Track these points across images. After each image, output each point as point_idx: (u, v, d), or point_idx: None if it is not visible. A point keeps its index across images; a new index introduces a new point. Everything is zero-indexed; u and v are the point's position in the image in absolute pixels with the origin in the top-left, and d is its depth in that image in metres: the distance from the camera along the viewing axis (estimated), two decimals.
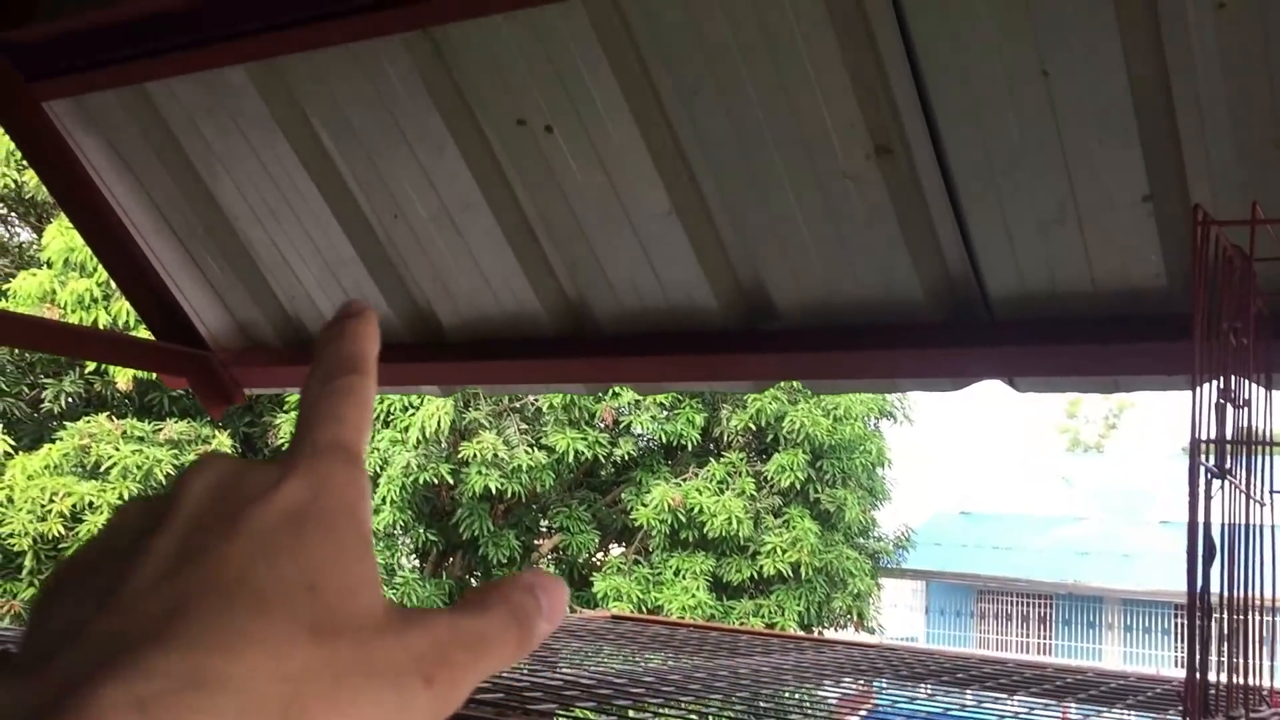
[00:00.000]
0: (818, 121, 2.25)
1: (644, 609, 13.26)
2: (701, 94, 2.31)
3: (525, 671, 2.70)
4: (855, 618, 15.04)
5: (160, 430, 12.18)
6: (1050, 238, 2.20)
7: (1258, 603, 1.80)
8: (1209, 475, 1.72)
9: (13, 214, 14.44)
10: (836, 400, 13.95)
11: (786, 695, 2.75)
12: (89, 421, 12.02)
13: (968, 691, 2.82)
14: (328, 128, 2.73)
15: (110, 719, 0.28)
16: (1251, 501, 1.81)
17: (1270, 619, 1.89)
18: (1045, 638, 24.49)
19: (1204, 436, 1.70)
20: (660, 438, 13.99)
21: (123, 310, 11.59)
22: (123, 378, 12.42)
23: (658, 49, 2.30)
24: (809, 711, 2.55)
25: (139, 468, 11.52)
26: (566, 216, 2.63)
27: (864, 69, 2.16)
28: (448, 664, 0.34)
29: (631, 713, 2.29)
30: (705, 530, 13.60)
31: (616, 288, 2.70)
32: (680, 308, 2.65)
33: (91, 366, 12.49)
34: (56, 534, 11.21)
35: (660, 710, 2.27)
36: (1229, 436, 1.75)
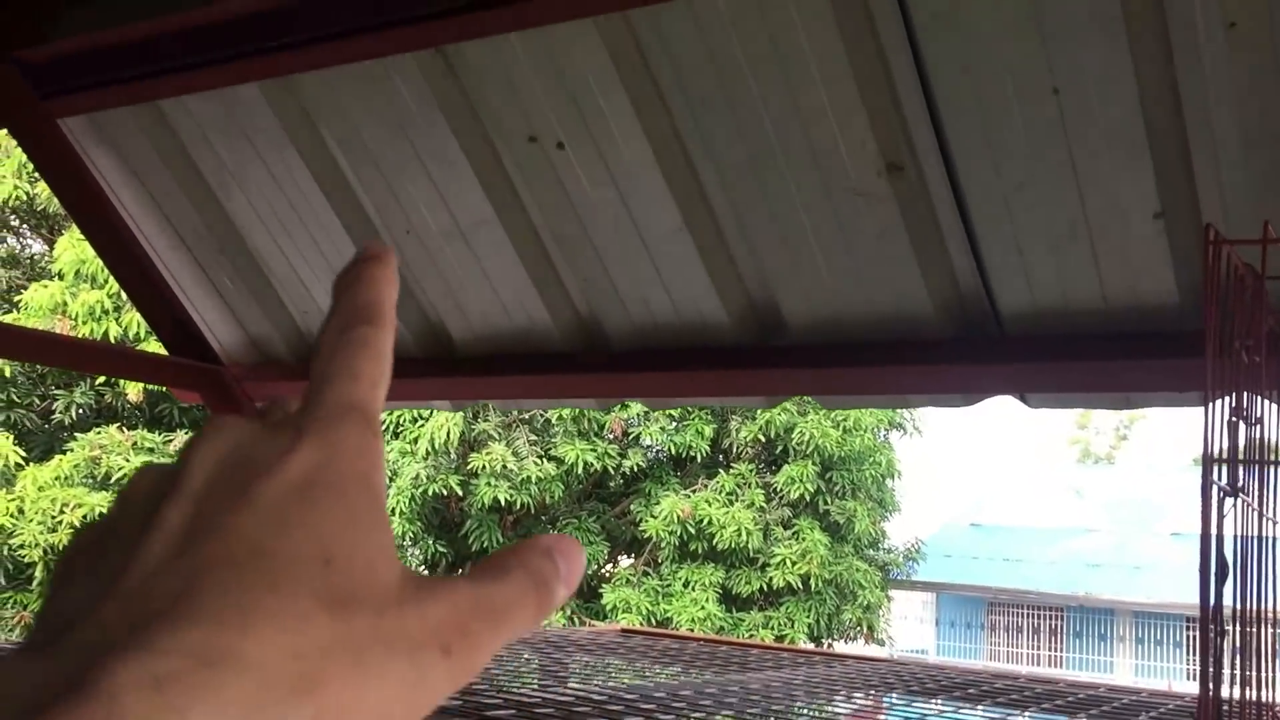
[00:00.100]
0: (829, 138, 2.26)
1: (653, 621, 13.24)
2: (713, 112, 2.32)
3: (536, 687, 2.70)
4: (865, 630, 14.99)
5: (171, 442, 12.21)
6: (1061, 254, 2.21)
7: (1271, 617, 1.80)
8: (1221, 493, 1.72)
9: (24, 226, 14.51)
10: (846, 412, 13.93)
11: (797, 711, 2.75)
12: (100, 433, 12.05)
13: (979, 707, 2.81)
14: (341, 144, 2.74)
15: (126, 699, 0.28)
16: (1264, 519, 1.81)
17: None
18: (1056, 650, 24.39)
19: (1216, 454, 1.70)
20: (669, 449, 13.98)
21: (134, 322, 11.63)
22: (133, 389, 12.47)
23: (670, 67, 2.31)
24: None
25: None
26: (578, 232, 2.64)
27: (875, 87, 2.17)
28: (466, 634, 0.34)
29: None
30: (715, 542, 13.58)
31: (627, 303, 2.71)
32: (691, 323, 2.66)
33: (102, 378, 12.53)
34: (67, 545, 11.22)
35: None
36: (1241, 454, 1.74)
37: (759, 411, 13.72)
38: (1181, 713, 2.72)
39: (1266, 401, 1.85)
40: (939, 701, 2.87)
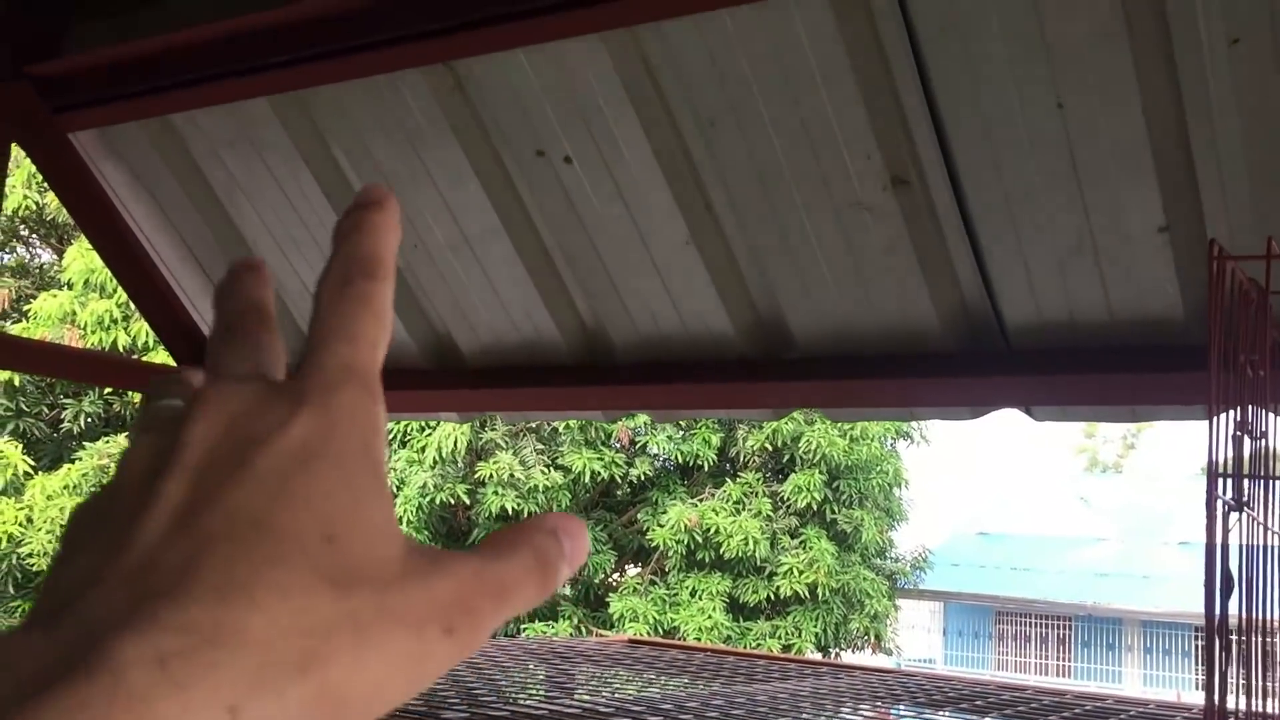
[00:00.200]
0: (835, 153, 2.27)
1: (660, 630, 13.23)
2: (719, 126, 2.33)
3: (542, 698, 2.71)
4: (872, 639, 14.97)
5: None
6: (1067, 268, 2.21)
7: (1277, 629, 1.80)
8: (1226, 507, 1.72)
9: (34, 235, 14.58)
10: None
11: None
12: (108, 441, 12.09)
13: None
14: (349, 158, 2.76)
15: (131, 674, 0.28)
16: (1269, 532, 1.81)
17: None
18: (1064, 660, 24.32)
19: (1221, 468, 1.71)
20: (676, 458, 13.99)
21: (142, 331, 11.67)
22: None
23: (677, 82, 2.32)
24: None
25: None
26: (585, 246, 2.65)
27: (880, 101, 2.18)
28: (470, 611, 0.34)
29: None
30: (721, 551, 13.58)
31: (634, 316, 2.72)
32: (698, 336, 2.67)
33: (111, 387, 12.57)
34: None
35: None
36: (1246, 468, 1.75)
37: (766, 420, 13.73)
38: None
39: (1271, 415, 1.86)
40: (946, 714, 2.87)
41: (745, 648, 12.98)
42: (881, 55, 2.13)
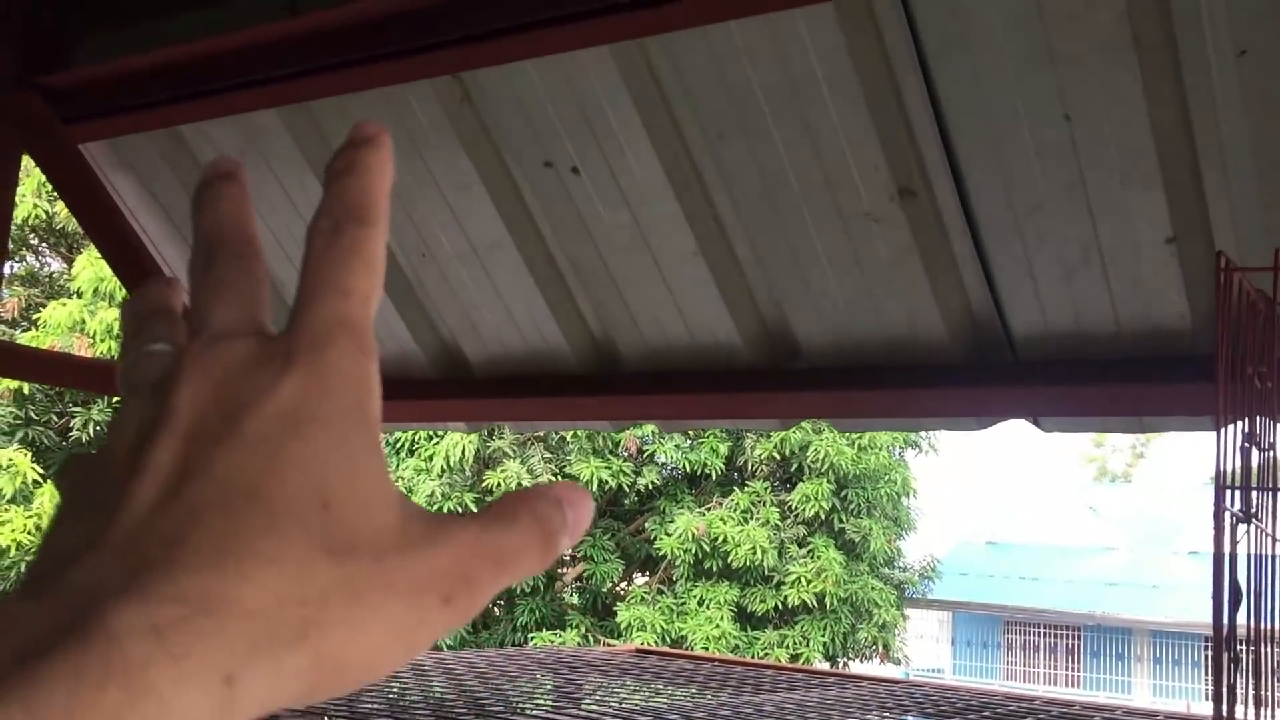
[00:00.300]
0: (841, 163, 2.28)
1: (668, 639, 13.21)
2: (726, 137, 2.34)
3: (550, 707, 2.71)
4: (881, 649, 14.93)
5: None
6: (1074, 279, 2.21)
7: None
8: (1234, 519, 1.72)
9: (43, 244, 14.63)
10: None
11: None
12: None
13: None
14: None
15: (127, 644, 0.28)
16: (1277, 545, 1.81)
17: None
18: (1073, 670, 24.23)
19: (1229, 480, 1.70)
20: (684, 467, 13.98)
21: None
22: None
23: (684, 93, 2.33)
24: None
25: None
26: (592, 256, 2.66)
27: (887, 111, 2.19)
28: (469, 581, 0.34)
29: None
30: (729, 560, 13.56)
31: (642, 326, 2.73)
32: (705, 346, 2.67)
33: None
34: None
35: None
36: (1254, 480, 1.75)
37: (773, 431, 13.71)
38: None
39: (1279, 427, 1.86)
40: None
41: (753, 657, 12.96)
42: (888, 66, 2.14)
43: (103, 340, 12.02)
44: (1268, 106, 1.92)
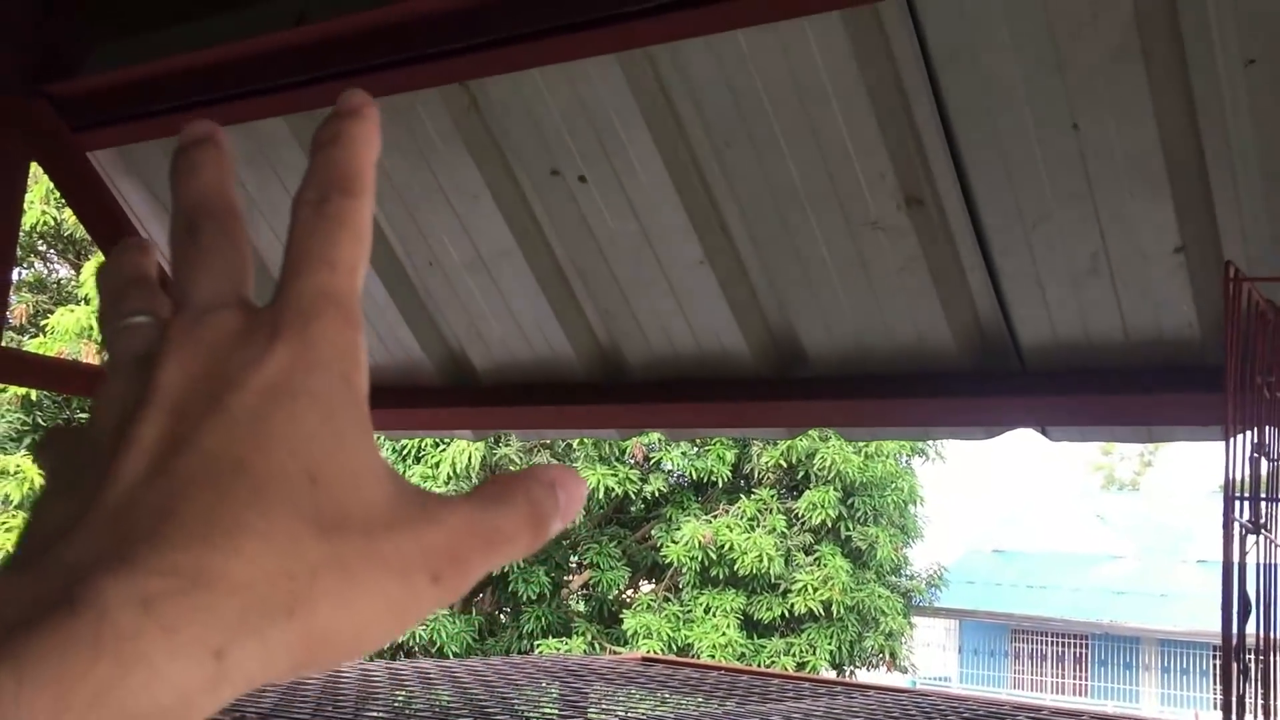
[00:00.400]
0: (849, 172, 2.27)
1: (674, 647, 13.20)
2: (734, 145, 2.34)
3: (556, 717, 2.70)
4: (888, 657, 14.90)
5: None
6: (1082, 288, 2.21)
7: None
8: (1243, 530, 1.71)
9: (51, 250, 14.67)
10: None
11: None
12: None
13: None
14: None
15: (116, 616, 0.28)
16: None
17: None
18: (1081, 679, 24.16)
19: (1238, 491, 1.70)
20: (691, 474, 13.97)
21: None
22: None
23: (691, 102, 2.33)
24: None
25: None
26: (599, 265, 2.66)
27: (895, 120, 2.18)
28: (458, 561, 0.33)
29: None
30: (736, 567, 13.54)
31: (649, 335, 2.72)
32: (712, 355, 2.67)
33: None
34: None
35: None
36: (1263, 491, 1.74)
37: (780, 439, 13.70)
38: None
39: None
40: None
41: (759, 665, 12.93)
42: (895, 75, 2.14)
43: None
44: (1276, 116, 1.92)
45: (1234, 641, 1.65)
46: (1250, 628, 1.67)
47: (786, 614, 13.85)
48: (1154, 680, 23.37)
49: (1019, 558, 25.26)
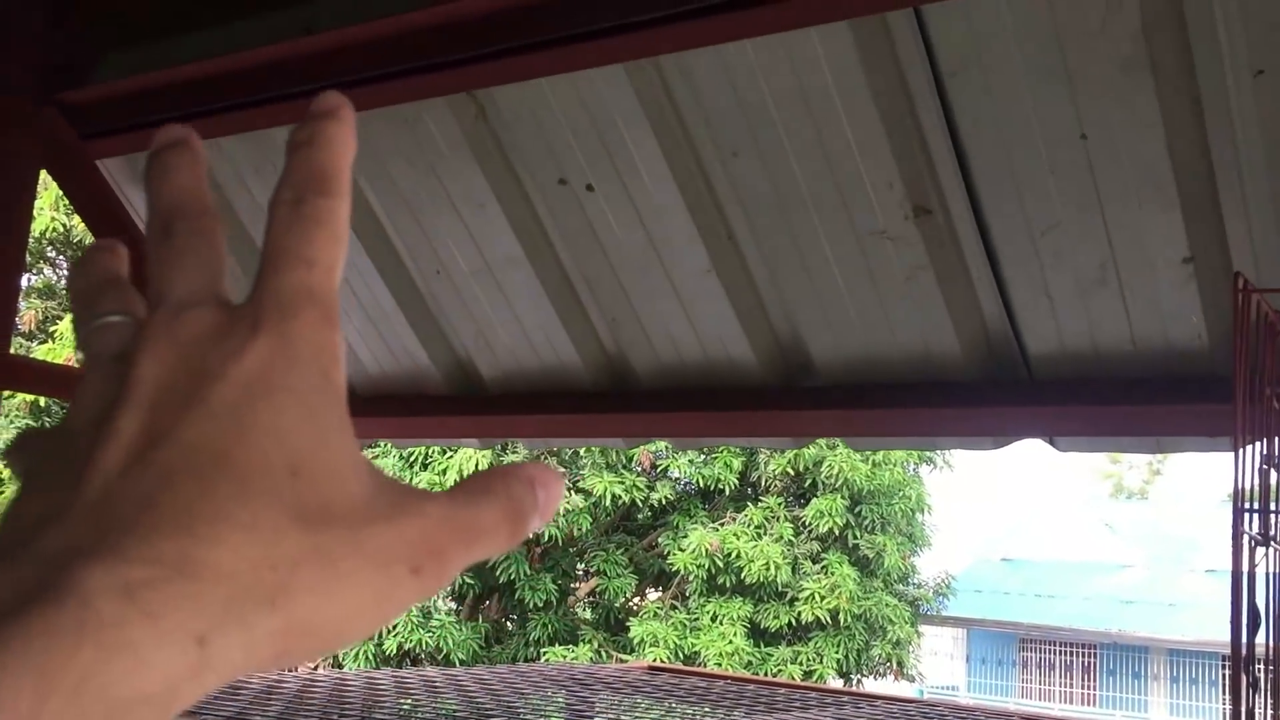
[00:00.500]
0: (856, 182, 2.27)
1: (681, 655, 13.17)
2: (741, 155, 2.34)
3: None
4: (895, 666, 14.85)
5: None
6: (1090, 298, 2.20)
7: None
8: (1253, 542, 1.71)
9: (61, 257, 14.71)
10: None
11: None
12: None
13: None
14: (373, 185, 2.78)
15: (98, 604, 0.28)
16: None
17: None
18: (1089, 688, 24.07)
19: (1247, 503, 1.69)
20: (698, 482, 13.95)
21: None
22: None
23: (698, 111, 2.33)
24: None
25: None
26: (607, 273, 2.66)
27: (902, 130, 2.18)
28: (438, 554, 0.34)
29: None
30: (743, 575, 13.51)
31: (656, 343, 2.72)
32: (719, 364, 2.67)
33: None
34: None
35: None
36: (1272, 502, 1.73)
37: (787, 448, 13.67)
38: None
39: None
40: None
41: (766, 674, 12.91)
42: (903, 84, 2.14)
43: None
44: None
45: (1243, 653, 1.64)
46: (1260, 639, 1.67)
47: (793, 622, 13.82)
48: (1163, 690, 23.27)
49: (1027, 566, 25.19)
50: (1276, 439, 1.75)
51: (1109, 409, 2.24)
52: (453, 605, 14.23)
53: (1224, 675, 21.22)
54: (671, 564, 13.78)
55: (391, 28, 2.27)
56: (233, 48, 2.44)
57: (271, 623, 0.30)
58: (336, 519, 0.32)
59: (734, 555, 13.51)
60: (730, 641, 13.36)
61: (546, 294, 2.76)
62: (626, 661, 12.44)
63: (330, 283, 0.35)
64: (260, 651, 0.30)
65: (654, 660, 11.74)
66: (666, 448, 13.56)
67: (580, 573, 14.59)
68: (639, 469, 13.71)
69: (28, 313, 13.53)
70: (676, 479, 14.19)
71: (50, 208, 12.83)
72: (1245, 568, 1.66)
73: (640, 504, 13.80)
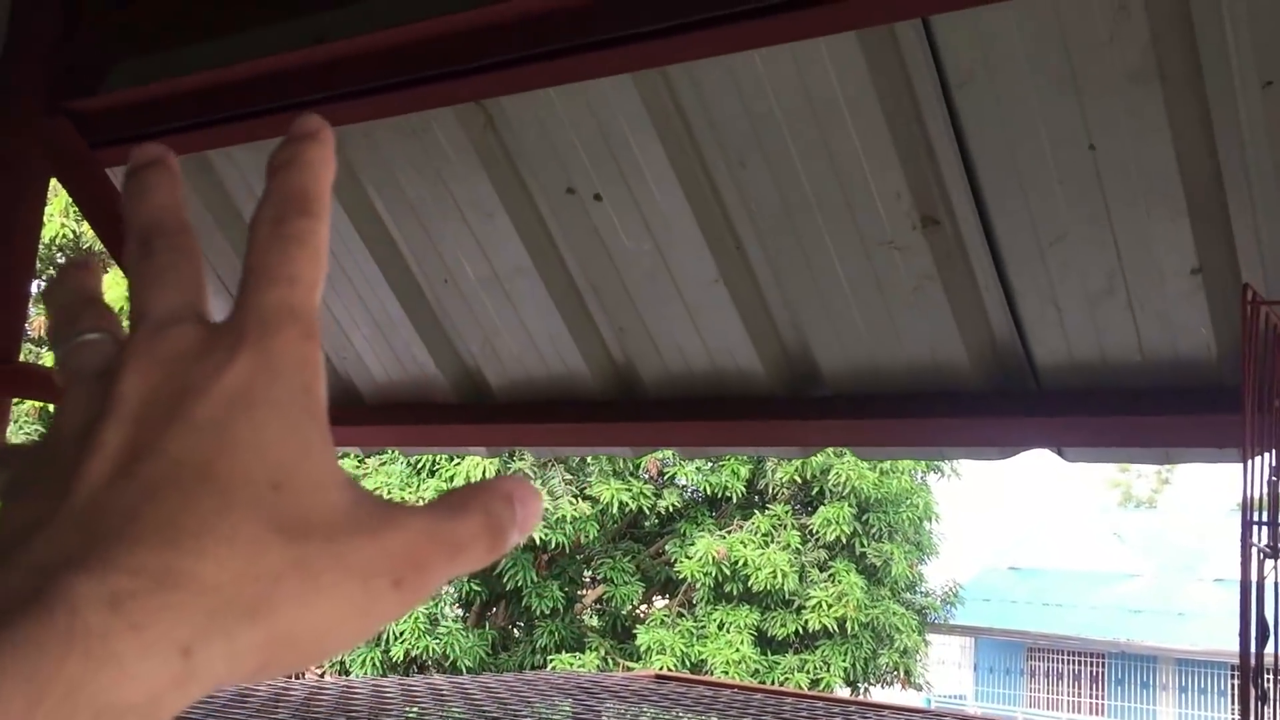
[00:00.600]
0: (864, 191, 2.27)
1: (687, 663, 13.15)
2: (749, 164, 2.34)
3: None
4: (902, 675, 14.82)
5: None
6: (1098, 309, 2.20)
7: None
8: (1261, 555, 1.70)
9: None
10: None
11: None
12: None
13: None
14: (381, 195, 2.78)
15: (86, 614, 0.28)
16: None
17: None
18: (1097, 698, 23.98)
19: (1256, 514, 1.69)
20: (705, 489, 13.94)
21: None
22: None
23: (706, 121, 2.33)
24: None
25: None
26: (614, 283, 2.66)
27: (910, 140, 2.18)
28: (418, 567, 0.34)
29: None
30: (750, 583, 13.50)
31: (663, 353, 2.72)
32: (726, 373, 2.67)
33: None
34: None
35: None
36: None
37: (794, 458, 13.67)
38: None
39: None
40: None
41: (773, 682, 12.88)
42: (911, 95, 2.14)
43: None
44: None
45: (1252, 666, 1.64)
46: (1269, 651, 1.66)
47: (801, 630, 13.79)
48: (1171, 700, 23.18)
49: (1035, 575, 25.12)
50: None
51: (1117, 420, 2.24)
52: (460, 612, 14.23)
53: (1233, 685, 21.13)
54: (678, 571, 13.76)
55: (400, 37, 2.28)
56: (243, 57, 2.45)
57: (254, 634, 0.31)
58: (318, 532, 0.33)
59: (741, 563, 13.49)
60: (737, 649, 13.34)
61: (554, 303, 2.76)
62: (633, 669, 12.42)
63: (311, 301, 0.36)
64: (243, 662, 0.31)
65: (661, 668, 11.72)
66: (674, 455, 13.55)
67: (587, 580, 14.58)
68: (646, 476, 13.71)
69: (38, 319, 13.57)
70: (684, 486, 14.18)
71: (60, 214, 12.87)
72: (1254, 580, 1.66)
73: (647, 511, 13.79)
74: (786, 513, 14.03)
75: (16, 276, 2.75)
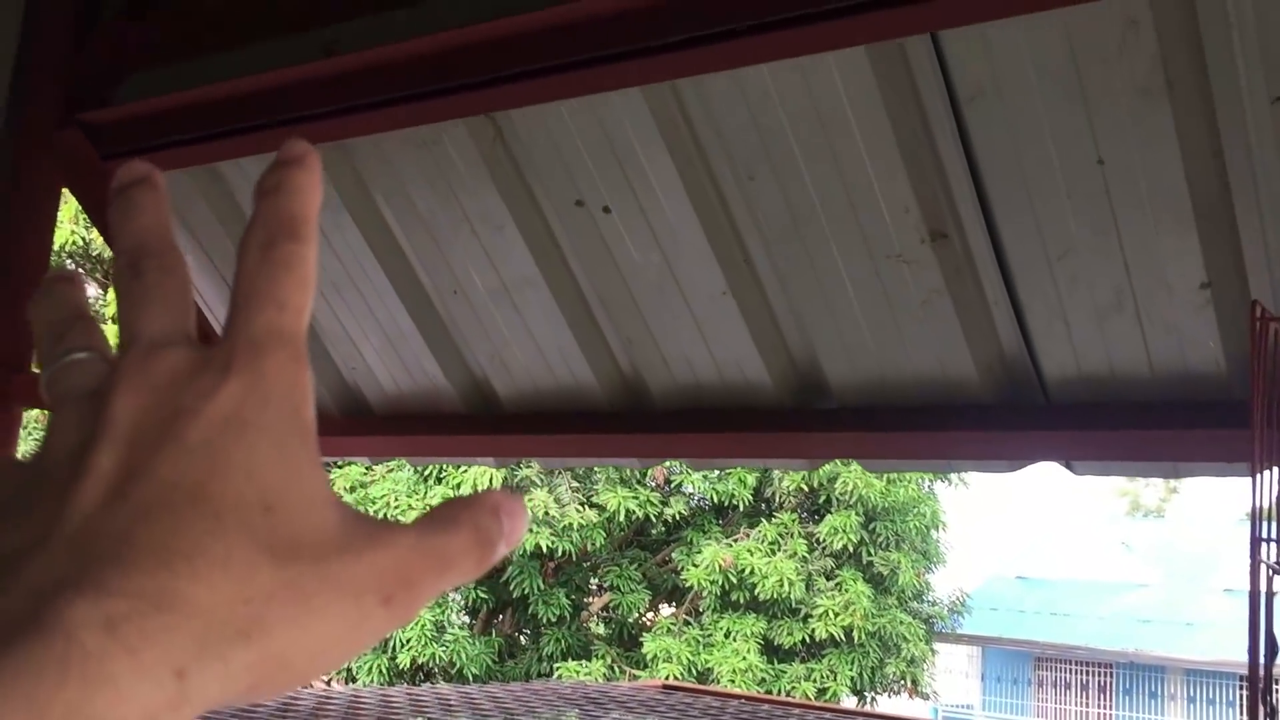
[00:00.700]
0: (872, 205, 2.28)
1: (694, 671, 13.14)
2: (757, 177, 2.35)
3: None
4: (909, 684, 14.79)
5: None
6: (1107, 323, 2.20)
7: None
8: (1270, 570, 1.70)
9: (80, 270, 14.79)
10: None
11: None
12: None
13: None
14: (391, 206, 2.79)
15: (82, 637, 0.29)
16: None
17: None
18: (1105, 708, 23.89)
19: (1264, 530, 1.68)
20: (711, 498, 13.94)
21: None
22: None
23: (715, 134, 2.34)
24: None
25: None
26: (623, 294, 2.66)
27: (919, 154, 2.19)
28: (408, 583, 0.34)
29: None
30: (756, 592, 13.49)
31: (671, 364, 2.73)
32: (734, 385, 2.67)
33: None
34: None
35: None
36: None
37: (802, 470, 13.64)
38: None
39: None
40: None
41: (780, 691, 12.87)
42: (920, 109, 2.14)
43: None
44: None
45: (1260, 682, 1.63)
46: (1278, 666, 1.66)
47: (807, 639, 13.78)
48: (1179, 710, 23.08)
49: (1043, 584, 25.05)
50: None
51: (1126, 434, 2.23)
52: (466, 619, 14.23)
53: (1241, 696, 21.03)
54: (685, 580, 13.76)
55: (411, 50, 2.29)
56: (253, 70, 2.46)
57: (247, 655, 0.31)
58: (308, 552, 0.33)
59: (748, 571, 13.49)
60: (744, 658, 13.32)
61: (562, 314, 2.77)
62: (639, 677, 12.41)
63: (300, 324, 0.36)
64: (236, 683, 0.31)
65: (667, 676, 11.71)
66: (681, 464, 13.55)
67: (594, 588, 14.57)
68: (653, 484, 13.71)
69: None
70: (690, 494, 14.18)
71: (70, 221, 12.91)
72: (1263, 596, 1.66)
73: (654, 519, 13.79)
74: (793, 521, 14.02)
75: (29, 286, 2.76)
